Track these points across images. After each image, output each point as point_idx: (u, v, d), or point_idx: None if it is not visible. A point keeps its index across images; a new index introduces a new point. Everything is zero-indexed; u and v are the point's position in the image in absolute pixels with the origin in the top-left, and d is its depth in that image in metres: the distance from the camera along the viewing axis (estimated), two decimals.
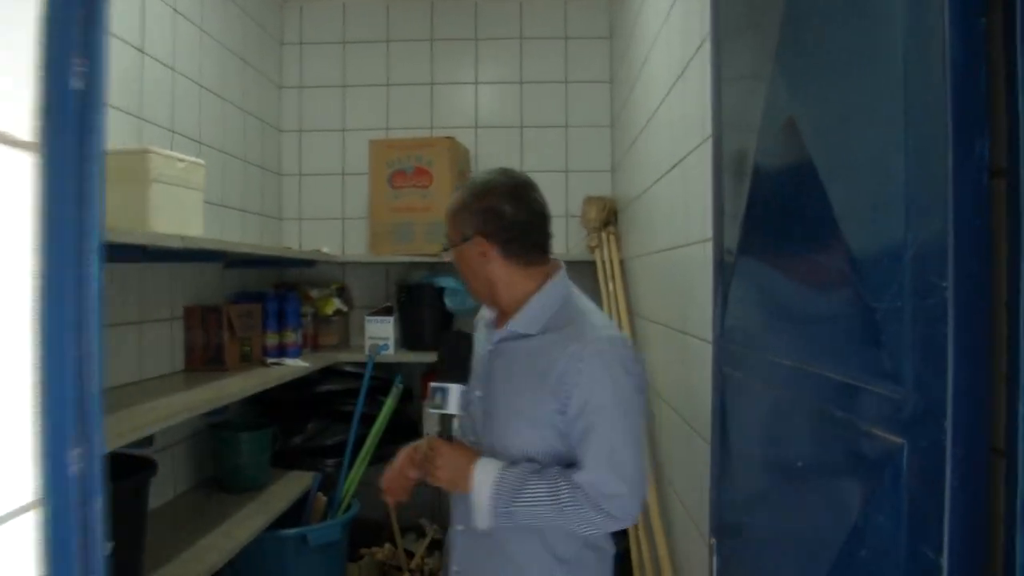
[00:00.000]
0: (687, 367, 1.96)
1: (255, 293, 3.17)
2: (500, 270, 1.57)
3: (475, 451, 1.57)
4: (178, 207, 2.17)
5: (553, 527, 1.48)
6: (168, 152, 2.14)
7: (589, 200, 3.54)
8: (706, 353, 1.70)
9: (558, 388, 1.45)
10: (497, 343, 1.60)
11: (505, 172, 1.64)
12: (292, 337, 3.16)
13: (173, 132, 2.67)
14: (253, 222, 3.42)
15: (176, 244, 1.94)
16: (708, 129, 1.69)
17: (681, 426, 2.08)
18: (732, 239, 1.27)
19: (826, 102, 0.91)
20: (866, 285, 0.73)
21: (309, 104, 3.79)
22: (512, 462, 1.51)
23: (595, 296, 3.36)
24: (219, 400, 2.13)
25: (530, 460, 1.51)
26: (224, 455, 2.78)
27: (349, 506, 3.05)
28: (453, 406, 1.59)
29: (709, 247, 1.65)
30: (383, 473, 1.77)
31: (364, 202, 3.60)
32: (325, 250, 3.42)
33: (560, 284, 1.59)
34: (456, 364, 1.65)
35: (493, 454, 1.54)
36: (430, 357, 3.40)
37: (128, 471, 1.97)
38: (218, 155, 3.04)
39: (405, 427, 3.48)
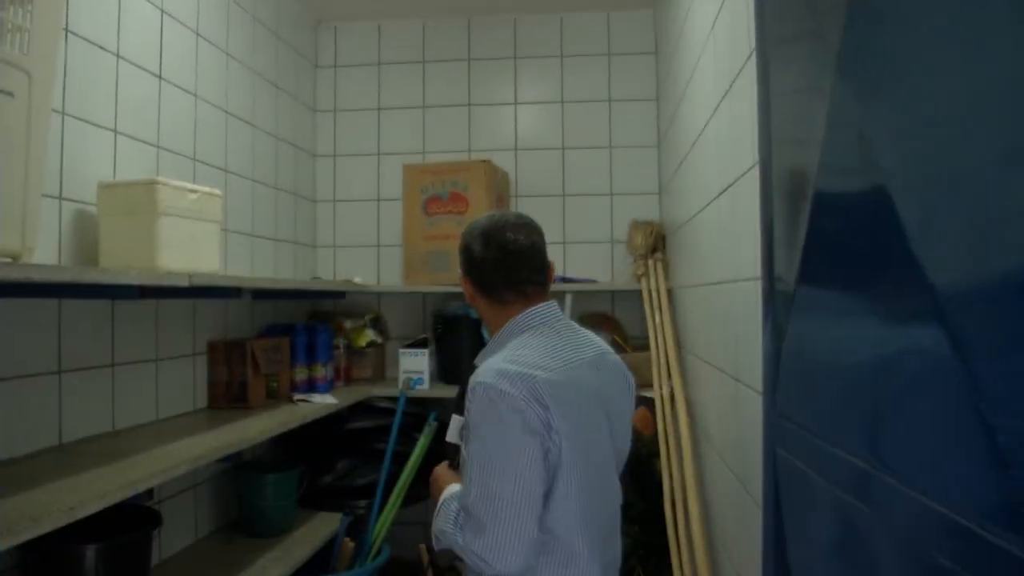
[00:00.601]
0: (739, 419, 1.75)
1: (284, 325, 3.05)
2: (481, 305, 1.69)
3: (455, 478, 1.63)
4: (190, 241, 2.05)
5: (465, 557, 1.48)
6: (178, 183, 2.02)
7: (635, 225, 3.34)
8: (759, 409, 1.49)
9: (466, 418, 1.51)
10: None
11: (494, 214, 1.70)
12: (322, 371, 3.03)
13: (195, 160, 2.57)
14: (286, 251, 3.31)
15: (182, 283, 1.81)
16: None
17: (732, 482, 1.87)
18: (786, 279, 1.07)
19: (912, 106, 0.71)
20: (977, 380, 0.52)
21: (344, 128, 3.68)
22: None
23: (642, 327, 3.16)
24: (230, 447, 1.98)
25: None
26: (248, 497, 2.64)
27: (379, 551, 2.88)
28: (451, 435, 1.68)
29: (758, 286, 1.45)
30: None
31: (399, 229, 3.46)
32: (357, 280, 3.29)
33: (516, 324, 1.62)
34: (462, 397, 1.62)
35: None
36: None
37: (131, 524, 1.84)
38: (246, 183, 2.93)
39: None
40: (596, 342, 1.68)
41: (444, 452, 1.70)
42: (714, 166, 2.06)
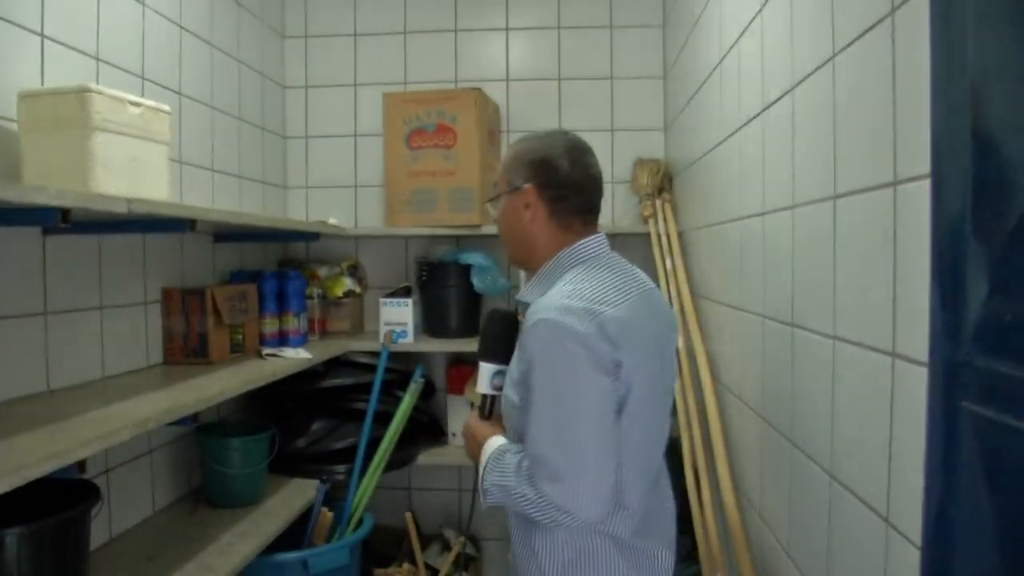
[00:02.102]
0: (794, 368, 1.47)
1: (251, 273, 2.73)
2: (539, 228, 1.50)
3: (494, 429, 1.53)
4: (133, 163, 1.72)
5: (522, 512, 1.38)
6: (117, 93, 1.68)
7: (640, 163, 3.04)
8: (834, 354, 1.21)
9: (521, 360, 1.39)
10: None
11: (564, 131, 1.57)
12: (294, 323, 2.72)
13: (144, 79, 2.21)
14: (252, 191, 2.96)
15: (119, 208, 1.48)
16: (841, 40, 1.19)
17: (775, 440, 1.60)
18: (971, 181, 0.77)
19: None
20: None
21: (316, 56, 3.31)
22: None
23: (651, 273, 2.86)
24: (184, 408, 1.67)
25: (521, 440, 1.41)
26: (211, 464, 2.34)
27: (360, 521, 2.60)
28: (482, 385, 1.56)
29: (840, 205, 1.16)
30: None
31: (380, 167, 3.13)
32: (332, 221, 2.96)
33: (575, 251, 1.48)
34: (493, 341, 1.57)
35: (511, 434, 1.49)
36: (455, 345, 2.94)
37: (66, 500, 1.54)
38: (204, 110, 2.58)
39: (427, 426, 3.03)
40: (644, 277, 1.55)
41: (480, 406, 1.59)
42: (755, 83, 1.76)
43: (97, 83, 1.96)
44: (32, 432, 1.41)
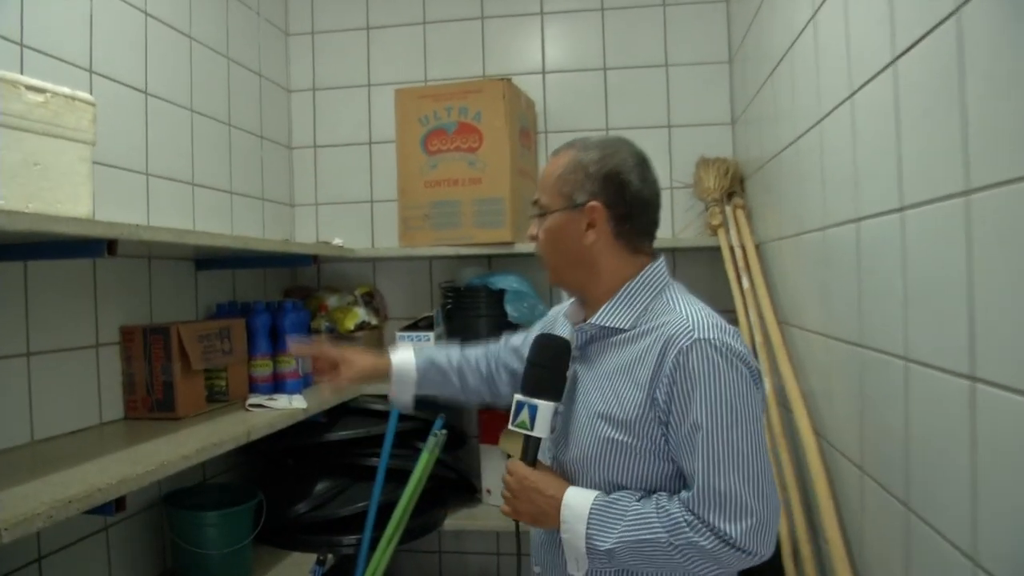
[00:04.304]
0: (974, 443, 0.95)
1: (245, 304, 2.30)
2: (604, 249, 1.32)
3: (560, 479, 1.29)
4: (34, 169, 1.30)
5: (663, 568, 1.19)
6: (13, 76, 1.26)
7: (705, 163, 2.53)
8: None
9: (656, 391, 1.20)
10: (582, 346, 1.35)
11: (627, 139, 1.38)
12: (291, 364, 2.27)
13: (92, 72, 1.81)
14: (249, 208, 2.54)
15: None
16: None
17: (928, 539, 1.08)
18: None
19: None
20: None
21: (325, 54, 2.90)
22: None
23: (716, 297, 2.32)
24: (91, 497, 1.23)
25: (618, 488, 1.24)
26: (182, 541, 1.90)
27: None
28: (541, 428, 1.28)
29: None
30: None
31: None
32: (337, 241, 2.52)
33: (658, 272, 1.33)
34: (552, 374, 1.30)
35: (573, 483, 1.28)
36: None
37: None
38: (182, 113, 2.17)
39: (456, 483, 2.55)
40: None
41: (524, 451, 1.31)
42: (862, 40, 1.26)
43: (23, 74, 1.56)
44: None
